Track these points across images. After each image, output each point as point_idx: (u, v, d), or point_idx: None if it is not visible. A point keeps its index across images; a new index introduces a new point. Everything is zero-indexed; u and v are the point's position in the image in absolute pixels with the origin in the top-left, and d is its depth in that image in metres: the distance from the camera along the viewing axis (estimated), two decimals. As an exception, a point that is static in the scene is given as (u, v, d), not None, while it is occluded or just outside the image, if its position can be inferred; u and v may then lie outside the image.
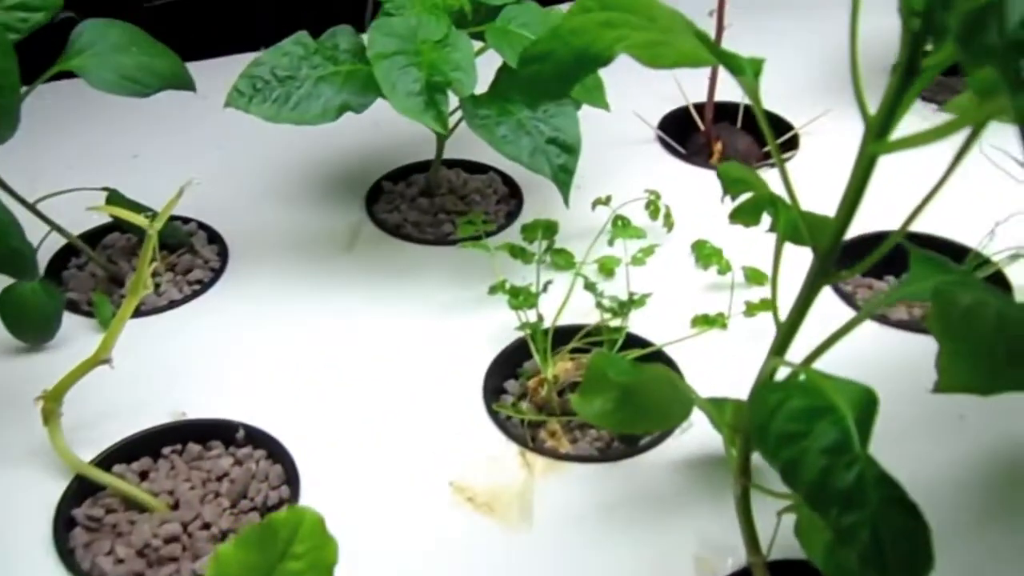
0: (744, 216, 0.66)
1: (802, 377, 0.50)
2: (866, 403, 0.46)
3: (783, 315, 0.55)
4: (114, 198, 0.87)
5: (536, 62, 0.51)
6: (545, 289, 0.80)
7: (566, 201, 0.81)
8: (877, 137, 0.48)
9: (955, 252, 0.92)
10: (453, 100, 0.82)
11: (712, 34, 1.01)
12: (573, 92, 0.85)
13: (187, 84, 0.81)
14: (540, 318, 0.79)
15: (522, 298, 0.78)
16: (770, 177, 0.60)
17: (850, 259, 0.91)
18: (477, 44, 0.85)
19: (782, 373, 0.55)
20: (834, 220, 0.51)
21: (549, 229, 0.80)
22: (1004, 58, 0.40)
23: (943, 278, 0.58)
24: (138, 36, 0.78)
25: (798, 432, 0.45)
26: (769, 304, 0.56)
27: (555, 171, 0.81)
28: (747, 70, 0.51)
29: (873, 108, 0.46)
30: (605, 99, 0.87)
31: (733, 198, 0.65)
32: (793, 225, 0.60)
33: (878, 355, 0.83)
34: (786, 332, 0.55)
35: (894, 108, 0.47)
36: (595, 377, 0.66)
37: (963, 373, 0.63)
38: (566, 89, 0.52)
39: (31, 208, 0.83)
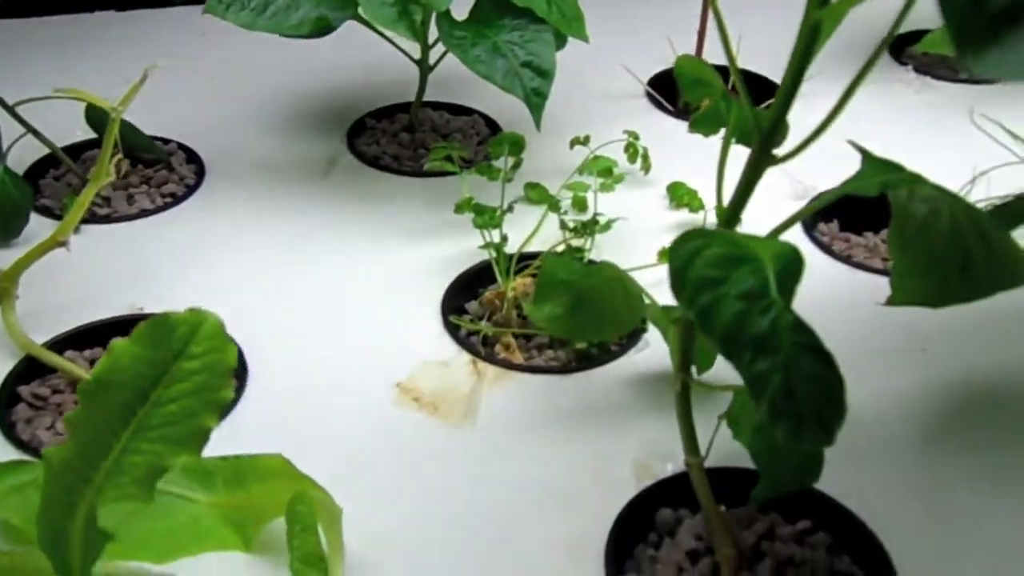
0: (703, 125, 0.66)
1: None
2: (789, 259, 0.45)
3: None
4: (93, 111, 0.88)
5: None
6: (510, 208, 0.79)
7: (537, 124, 0.81)
8: (820, 4, 0.48)
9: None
10: (433, 31, 0.83)
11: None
12: (553, 21, 0.85)
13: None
14: (504, 238, 0.78)
15: (487, 216, 0.77)
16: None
17: (838, 216, 0.92)
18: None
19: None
20: (778, 95, 0.51)
21: (516, 145, 0.80)
22: None
23: (893, 176, 0.57)
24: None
25: (716, 278, 0.44)
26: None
27: (528, 93, 0.81)
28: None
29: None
30: (585, 31, 0.87)
31: (691, 107, 0.64)
32: (743, 123, 0.60)
33: (851, 297, 0.82)
34: (728, 217, 0.55)
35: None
36: (547, 280, 0.66)
37: (915, 286, 0.62)
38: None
39: (9, 110, 0.84)
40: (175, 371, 0.39)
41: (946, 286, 0.59)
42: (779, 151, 0.51)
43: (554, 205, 0.79)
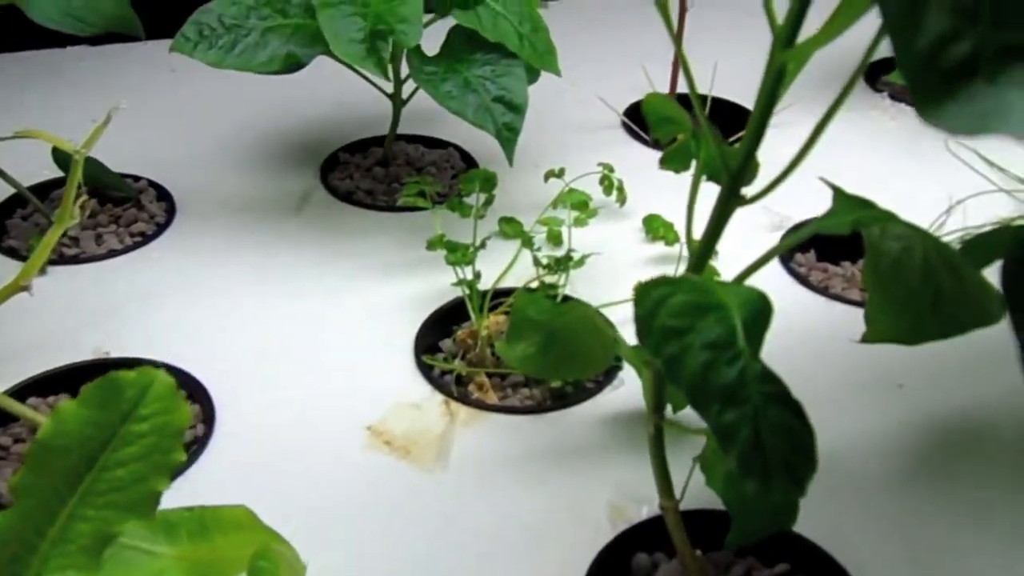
0: (673, 162, 0.65)
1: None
2: (757, 306, 0.44)
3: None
4: (60, 150, 0.87)
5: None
6: (483, 245, 0.79)
7: (510, 159, 0.80)
8: (784, 46, 0.47)
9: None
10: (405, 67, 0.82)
11: (676, 17, 1.01)
12: (525, 56, 0.85)
13: (132, 27, 0.80)
14: (477, 275, 0.77)
15: (459, 253, 0.77)
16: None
17: (815, 246, 0.91)
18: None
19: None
20: (745, 136, 0.50)
21: (487, 182, 0.79)
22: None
23: (864, 213, 0.57)
24: (86, -25, 0.78)
25: (681, 327, 0.43)
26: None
27: (500, 129, 0.80)
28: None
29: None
30: (557, 65, 0.86)
31: (661, 142, 0.64)
32: (712, 161, 0.59)
33: (828, 331, 0.81)
34: (699, 256, 0.54)
35: (799, 16, 0.47)
36: (518, 319, 0.65)
37: (890, 323, 0.61)
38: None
39: (-27, 150, 0.83)
40: (123, 434, 0.38)
41: (919, 323, 0.59)
42: (750, 188, 0.51)
43: (527, 242, 0.79)
